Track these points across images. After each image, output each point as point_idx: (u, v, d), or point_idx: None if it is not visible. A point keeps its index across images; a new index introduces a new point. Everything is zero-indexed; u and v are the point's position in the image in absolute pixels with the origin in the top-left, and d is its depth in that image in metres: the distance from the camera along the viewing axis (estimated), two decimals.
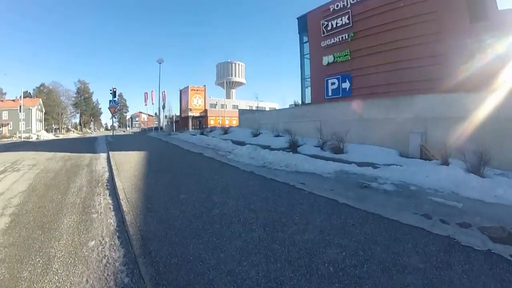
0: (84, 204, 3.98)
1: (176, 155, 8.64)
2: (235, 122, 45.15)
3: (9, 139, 28.87)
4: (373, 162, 6.39)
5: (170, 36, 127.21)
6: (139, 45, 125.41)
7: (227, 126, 23.07)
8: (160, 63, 23.52)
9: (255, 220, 3.09)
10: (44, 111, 52.17)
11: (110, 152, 8.64)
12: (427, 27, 10.27)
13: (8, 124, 41.45)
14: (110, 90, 24.03)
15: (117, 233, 2.91)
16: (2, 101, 46.06)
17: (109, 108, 27.75)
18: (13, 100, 45.88)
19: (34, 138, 33.44)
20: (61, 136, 39.24)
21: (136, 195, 4.13)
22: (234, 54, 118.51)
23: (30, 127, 41.79)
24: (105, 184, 5.01)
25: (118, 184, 4.68)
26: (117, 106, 23.66)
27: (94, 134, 39.09)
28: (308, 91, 16.04)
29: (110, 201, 4.03)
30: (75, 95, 66.86)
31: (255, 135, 12.44)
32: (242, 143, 10.06)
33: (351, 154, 7.37)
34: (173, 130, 34.04)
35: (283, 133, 10.80)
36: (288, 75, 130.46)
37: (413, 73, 10.40)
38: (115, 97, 24.32)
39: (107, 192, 4.53)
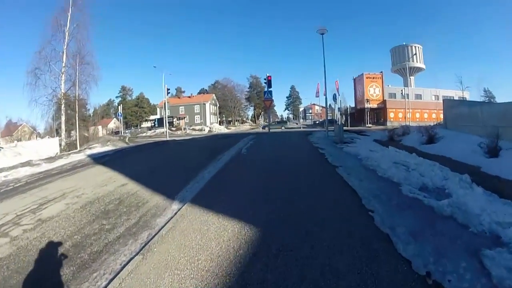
0: None
1: None
2: (418, 115, 37.64)
3: (183, 131, 32.78)
4: None
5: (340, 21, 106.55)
6: (307, 33, 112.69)
7: (427, 124, 14.90)
8: (322, 34, 16.03)
9: None
10: (218, 105, 58.87)
11: (188, 207, 3.70)
12: None
13: (184, 117, 48.74)
14: (265, 79, 20.56)
15: None
16: (179, 98, 54.92)
17: (264, 100, 25.69)
18: (189, 97, 55.89)
19: (206, 130, 37.71)
20: (232, 129, 43.91)
21: None
22: (408, 36, 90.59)
23: (203, 120, 48.57)
24: None
25: None
26: (272, 99, 19.37)
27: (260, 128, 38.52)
28: None
29: None
30: (248, 90, 68.46)
31: (491, 152, 6.03)
32: (477, 174, 4.81)
33: None
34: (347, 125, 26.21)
35: None
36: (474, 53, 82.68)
37: None
38: (270, 87, 20.32)
39: None
